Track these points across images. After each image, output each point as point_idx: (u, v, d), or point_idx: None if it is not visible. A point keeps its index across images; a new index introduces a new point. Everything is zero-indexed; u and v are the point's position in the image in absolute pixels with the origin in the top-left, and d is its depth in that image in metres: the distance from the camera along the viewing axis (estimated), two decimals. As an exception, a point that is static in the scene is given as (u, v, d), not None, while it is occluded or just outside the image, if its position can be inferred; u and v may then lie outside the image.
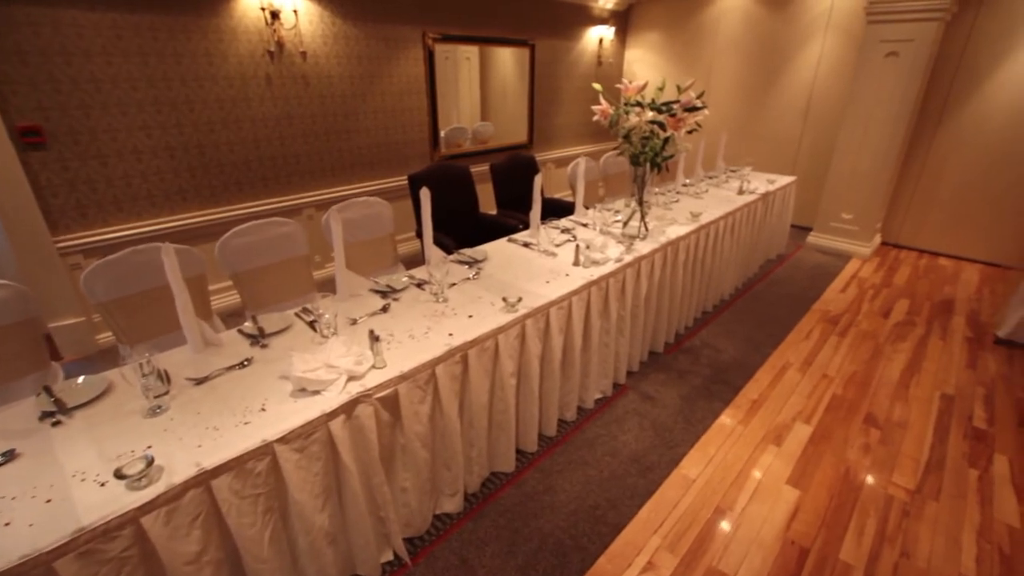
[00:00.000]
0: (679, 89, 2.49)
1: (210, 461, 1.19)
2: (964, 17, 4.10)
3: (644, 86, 2.47)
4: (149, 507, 1.11)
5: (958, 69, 4.26)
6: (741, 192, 3.79)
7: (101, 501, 1.09)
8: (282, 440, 1.30)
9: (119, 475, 1.11)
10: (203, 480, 1.19)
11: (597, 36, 5.89)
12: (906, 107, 4.07)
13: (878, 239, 4.94)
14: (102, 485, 1.13)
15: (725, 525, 1.92)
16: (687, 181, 4.12)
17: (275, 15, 3.28)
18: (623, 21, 6.19)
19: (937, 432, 2.43)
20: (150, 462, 1.14)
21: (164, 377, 1.43)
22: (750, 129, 5.55)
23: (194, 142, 3.23)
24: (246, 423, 1.33)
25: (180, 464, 1.19)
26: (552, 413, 2.27)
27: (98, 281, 1.92)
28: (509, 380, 1.92)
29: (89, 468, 1.18)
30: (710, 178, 4.30)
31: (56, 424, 1.33)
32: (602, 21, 5.89)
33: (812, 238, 4.95)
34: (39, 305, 1.87)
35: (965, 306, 3.76)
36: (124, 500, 1.09)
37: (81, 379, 1.49)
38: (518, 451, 2.19)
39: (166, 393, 1.42)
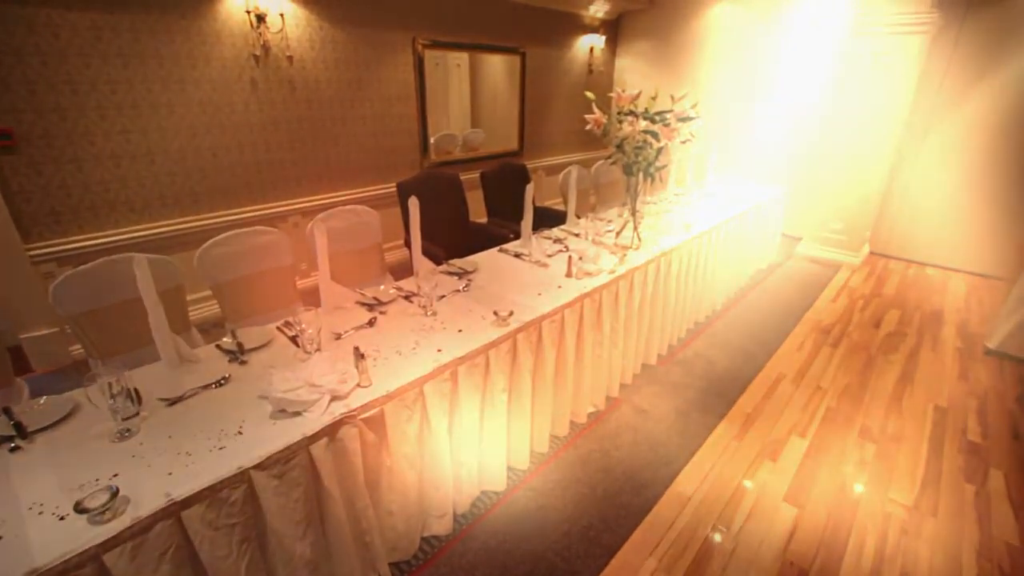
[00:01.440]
0: (672, 99, 2.47)
1: (181, 491, 1.11)
2: (949, 31, 4.15)
3: (637, 95, 2.44)
4: (113, 542, 1.02)
5: (944, 81, 4.30)
6: (732, 201, 3.77)
7: (59, 537, 1.00)
8: (259, 466, 1.22)
9: (80, 509, 1.02)
10: (173, 511, 1.10)
11: (588, 44, 5.89)
12: (893, 118, 4.10)
13: (867, 249, 4.97)
14: (61, 519, 1.05)
15: (722, 545, 1.86)
16: (678, 190, 4.10)
17: (261, 18, 3.20)
18: (613, 30, 6.20)
19: (932, 446, 2.41)
20: (114, 493, 1.06)
21: (134, 397, 1.34)
22: (740, 138, 5.56)
23: (175, 147, 3.13)
24: (221, 448, 1.25)
25: (148, 494, 1.10)
26: (544, 428, 2.21)
27: (69, 292, 1.83)
28: (500, 396, 1.86)
29: (48, 499, 1.09)
30: (701, 187, 4.28)
31: (14, 450, 1.24)
32: (593, 30, 5.89)
33: (802, 247, 4.96)
34: (6, 317, 1.78)
35: (954, 316, 3.77)
36: (85, 536, 1.01)
37: (44, 399, 1.40)
38: (509, 468, 2.12)
39: (136, 415, 1.33)
